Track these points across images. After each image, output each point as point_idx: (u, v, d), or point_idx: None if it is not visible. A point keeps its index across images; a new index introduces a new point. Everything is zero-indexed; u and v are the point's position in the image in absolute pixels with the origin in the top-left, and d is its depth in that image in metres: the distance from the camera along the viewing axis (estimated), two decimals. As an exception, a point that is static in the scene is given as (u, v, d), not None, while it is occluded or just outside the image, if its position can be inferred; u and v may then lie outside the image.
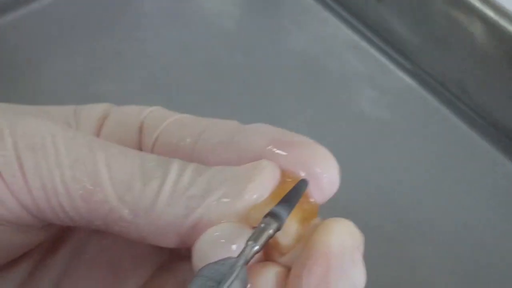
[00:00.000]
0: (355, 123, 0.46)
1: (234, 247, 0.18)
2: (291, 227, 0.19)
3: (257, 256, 0.18)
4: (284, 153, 0.20)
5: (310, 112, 0.46)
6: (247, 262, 0.17)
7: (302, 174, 0.20)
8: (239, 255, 0.17)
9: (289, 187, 0.19)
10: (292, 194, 0.19)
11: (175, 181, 0.19)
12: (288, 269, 0.19)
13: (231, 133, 0.21)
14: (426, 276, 0.40)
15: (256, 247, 0.18)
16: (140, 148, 0.23)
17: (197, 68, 0.47)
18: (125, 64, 0.47)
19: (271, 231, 0.18)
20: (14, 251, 0.22)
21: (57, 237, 0.24)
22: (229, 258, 0.17)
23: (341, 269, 0.18)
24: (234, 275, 0.17)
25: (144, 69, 0.47)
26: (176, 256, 0.24)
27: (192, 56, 0.48)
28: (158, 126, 0.23)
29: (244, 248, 0.17)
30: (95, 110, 0.24)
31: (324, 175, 0.20)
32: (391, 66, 0.49)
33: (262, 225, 0.18)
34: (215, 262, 0.17)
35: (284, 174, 0.20)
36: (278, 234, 0.18)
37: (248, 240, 0.18)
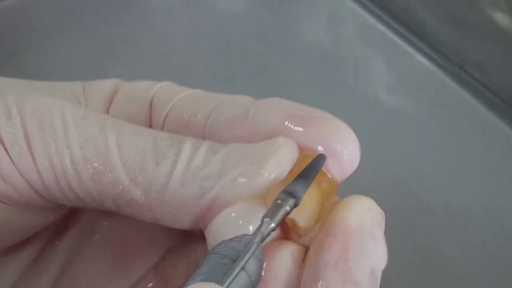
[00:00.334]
0: (371, 108, 0.45)
1: (251, 227, 0.18)
2: (310, 208, 0.19)
3: (274, 234, 0.18)
4: (301, 128, 0.19)
5: (324, 98, 0.45)
6: (263, 240, 0.17)
7: (321, 150, 0.19)
8: (255, 232, 0.17)
9: (307, 163, 0.19)
10: (309, 169, 0.18)
11: (189, 161, 0.19)
12: (305, 248, 0.19)
13: (245, 107, 0.20)
14: (446, 262, 0.39)
15: (272, 225, 0.17)
16: (150, 124, 0.23)
17: (208, 53, 0.47)
18: (134, 48, 0.46)
19: (287, 208, 0.17)
20: (23, 232, 0.21)
21: (67, 218, 0.24)
22: (245, 235, 0.17)
23: (360, 246, 0.17)
24: (250, 252, 0.16)
25: (153, 53, 0.46)
26: (188, 236, 0.24)
27: (203, 40, 0.47)
28: (168, 102, 0.22)
29: (260, 225, 0.17)
30: (105, 85, 0.24)
31: (344, 151, 0.19)
32: (408, 49, 0.47)
33: (278, 201, 0.17)
34: (230, 239, 0.17)
35: (302, 150, 0.19)
36: (297, 216, 0.18)
37: (263, 217, 0.17)
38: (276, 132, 0.19)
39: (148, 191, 0.19)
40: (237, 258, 0.16)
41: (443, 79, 0.46)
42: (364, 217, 0.18)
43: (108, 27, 0.47)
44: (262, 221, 0.17)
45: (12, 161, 0.19)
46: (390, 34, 0.48)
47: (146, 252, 0.24)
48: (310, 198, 0.19)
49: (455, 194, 0.42)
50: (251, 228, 0.18)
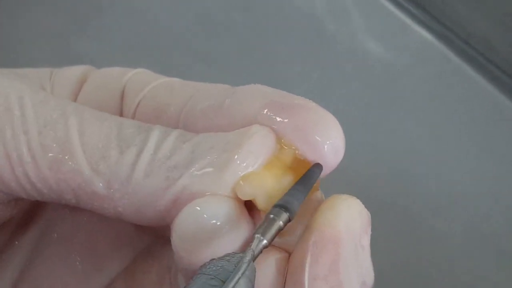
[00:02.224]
0: (367, 85, 0.43)
1: (218, 223, 0.17)
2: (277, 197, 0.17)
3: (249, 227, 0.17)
4: (280, 118, 0.18)
5: (316, 75, 0.43)
6: (254, 258, 0.16)
7: (301, 142, 0.18)
8: (245, 250, 0.16)
9: (286, 156, 0.18)
10: (304, 180, 0.17)
11: (155, 149, 0.18)
12: (288, 253, 0.18)
13: (222, 96, 0.19)
14: (447, 254, 0.38)
15: (264, 242, 0.16)
16: (121, 114, 0.22)
17: (189, 26, 0.44)
18: (108, 21, 0.44)
19: (281, 223, 0.16)
20: None
21: (27, 215, 0.23)
22: (234, 253, 0.16)
23: (351, 256, 0.17)
24: (240, 273, 0.15)
25: (129, 27, 0.44)
26: (160, 239, 0.23)
27: (184, 12, 0.44)
28: (141, 90, 0.21)
29: (251, 242, 0.16)
30: (73, 72, 0.23)
31: (326, 144, 0.18)
32: (409, 21, 0.45)
33: (271, 216, 0.16)
34: (220, 258, 0.16)
35: (282, 142, 0.18)
36: (262, 202, 0.17)
37: (255, 233, 0.16)
38: (254, 122, 0.18)
39: (110, 181, 0.18)
40: (226, 279, 0.15)
41: (446, 54, 0.44)
42: (353, 224, 0.17)
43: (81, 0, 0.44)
44: (254, 237, 0.16)
45: None
46: (389, 5, 0.45)
47: (115, 253, 0.23)
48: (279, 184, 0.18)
49: (458, 180, 0.40)
50: (218, 224, 0.17)
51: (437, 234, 0.38)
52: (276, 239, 0.17)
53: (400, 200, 0.39)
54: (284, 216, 0.16)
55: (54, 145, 0.18)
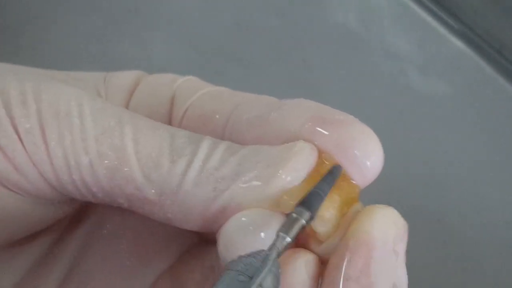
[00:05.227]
0: (399, 93, 0.43)
1: (262, 234, 0.18)
2: (329, 213, 0.18)
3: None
4: (324, 132, 0.19)
5: (349, 81, 0.43)
6: (279, 255, 0.17)
7: (341, 157, 0.19)
8: (270, 248, 0.17)
9: (326, 170, 0.18)
10: (325, 181, 0.18)
11: (204, 160, 0.18)
12: (323, 258, 0.18)
13: (268, 108, 0.20)
14: (475, 260, 0.38)
15: (288, 239, 0.17)
16: (170, 120, 0.23)
17: (226, 30, 0.44)
18: (144, 23, 0.44)
19: (303, 222, 0.17)
20: (35, 224, 0.21)
21: (78, 212, 0.23)
22: (261, 250, 0.17)
23: (383, 260, 0.17)
24: (267, 269, 0.16)
25: (165, 29, 0.44)
26: (204, 240, 0.24)
27: (221, 17, 0.45)
28: (189, 97, 0.22)
29: (275, 239, 0.17)
30: (126, 77, 0.23)
31: (366, 159, 0.18)
32: (442, 30, 0.44)
33: (294, 214, 0.17)
34: (247, 255, 0.17)
35: (322, 156, 0.19)
36: (315, 222, 0.18)
37: (278, 231, 0.17)
38: (298, 135, 0.19)
39: (161, 189, 0.19)
40: (253, 275, 0.16)
41: (479, 64, 0.43)
42: (388, 231, 0.17)
43: (119, 2, 0.44)
44: (277, 235, 0.17)
45: (26, 150, 0.19)
46: (423, 13, 0.45)
47: (160, 253, 0.23)
48: (330, 203, 0.18)
49: (489, 189, 0.40)
50: (263, 235, 0.18)
51: (465, 241, 0.38)
52: (316, 247, 0.19)
53: (428, 206, 0.39)
54: (306, 214, 0.17)
55: (110, 153, 0.19)
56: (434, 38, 0.44)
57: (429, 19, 0.45)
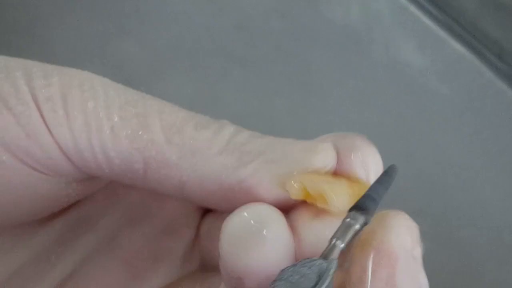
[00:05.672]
0: (401, 96, 0.43)
1: (264, 231, 0.17)
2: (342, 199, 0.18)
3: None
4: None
5: (352, 83, 0.43)
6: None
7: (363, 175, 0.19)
8: (326, 257, 0.16)
9: (342, 179, 0.19)
10: (380, 183, 0.18)
11: (231, 135, 0.19)
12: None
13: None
14: (476, 265, 0.38)
15: (342, 246, 0.16)
16: None
17: (228, 31, 0.44)
18: (146, 25, 0.44)
19: (357, 227, 0.17)
20: (42, 205, 0.21)
21: (82, 219, 0.23)
22: (313, 259, 0.16)
23: (406, 268, 0.17)
24: (326, 284, 0.15)
25: (168, 31, 0.44)
26: (205, 268, 0.24)
27: (222, 18, 0.45)
28: None
29: (331, 249, 0.16)
30: None
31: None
32: (443, 34, 0.44)
33: (348, 219, 0.17)
34: (300, 265, 0.16)
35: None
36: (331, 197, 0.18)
37: (333, 237, 0.16)
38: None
39: (182, 152, 0.19)
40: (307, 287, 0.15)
41: (479, 68, 0.43)
42: (405, 238, 0.17)
43: (121, 3, 0.44)
44: (332, 243, 0.16)
45: (43, 117, 0.18)
46: (423, 17, 0.45)
47: (159, 268, 0.23)
48: (342, 190, 0.18)
49: (489, 192, 0.40)
50: (265, 232, 0.17)
51: (465, 245, 0.38)
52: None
53: (429, 209, 0.39)
54: (361, 219, 0.17)
55: (134, 119, 0.19)
56: (434, 41, 0.44)
57: (429, 23, 0.45)
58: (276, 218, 0.18)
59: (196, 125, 0.19)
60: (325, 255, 0.16)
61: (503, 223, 0.39)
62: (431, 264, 0.37)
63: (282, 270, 0.16)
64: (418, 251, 0.18)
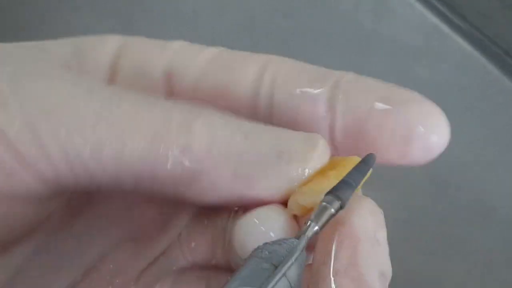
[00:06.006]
0: None
1: (272, 234, 0.18)
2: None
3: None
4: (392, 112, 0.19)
5: None
6: (307, 244, 0.17)
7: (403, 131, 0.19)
8: (298, 236, 0.16)
9: (337, 164, 0.19)
10: (357, 170, 0.18)
11: (215, 136, 0.18)
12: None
13: (318, 82, 0.20)
14: (479, 260, 0.38)
15: (316, 228, 0.17)
16: (171, 95, 0.21)
17: (232, 30, 0.44)
18: (154, 25, 0.45)
19: (332, 211, 0.17)
20: (27, 224, 0.20)
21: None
22: (286, 238, 0.17)
23: (368, 250, 0.17)
24: (294, 258, 0.16)
25: (173, 29, 0.44)
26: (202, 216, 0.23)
27: (227, 16, 0.45)
28: (194, 67, 0.21)
29: (306, 229, 0.17)
30: (104, 52, 0.21)
31: (431, 135, 0.19)
32: (448, 31, 0.44)
33: (324, 203, 0.17)
34: (273, 242, 0.16)
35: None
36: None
37: (308, 220, 0.17)
38: (366, 117, 0.19)
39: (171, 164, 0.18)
40: (278, 263, 0.16)
41: (486, 65, 0.43)
42: (366, 219, 0.18)
43: (127, 3, 0.45)
44: (307, 224, 0.17)
45: (18, 151, 0.17)
46: (429, 14, 0.45)
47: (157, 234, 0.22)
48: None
49: (493, 189, 0.40)
50: (272, 235, 0.18)
51: (471, 244, 0.38)
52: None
53: (435, 208, 0.39)
54: (336, 204, 0.17)
55: (110, 137, 0.17)
56: (442, 39, 0.44)
57: (436, 20, 0.45)
58: (284, 220, 0.18)
59: (178, 128, 0.18)
60: (298, 236, 0.16)
61: (509, 221, 0.38)
62: (437, 261, 0.37)
63: (256, 248, 0.16)
64: (382, 235, 0.18)
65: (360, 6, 0.45)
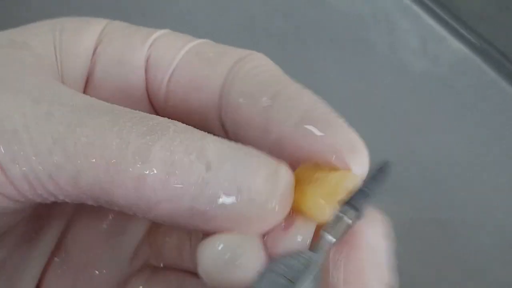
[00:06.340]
0: (404, 96, 0.43)
1: (240, 262, 0.17)
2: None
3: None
4: (318, 134, 0.18)
5: (355, 82, 0.43)
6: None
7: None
8: (315, 249, 0.16)
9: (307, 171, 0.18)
10: (374, 179, 0.17)
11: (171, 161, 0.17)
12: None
13: (260, 90, 0.19)
14: (480, 265, 0.38)
15: (332, 240, 0.16)
16: (146, 89, 0.20)
17: (232, 30, 0.44)
18: (151, 24, 0.43)
19: (349, 221, 0.16)
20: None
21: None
22: (301, 251, 0.16)
23: (375, 262, 0.17)
24: (312, 275, 0.15)
25: (174, 29, 0.43)
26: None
27: (226, 18, 0.45)
28: (171, 59, 0.20)
29: (321, 241, 0.16)
30: (84, 42, 0.21)
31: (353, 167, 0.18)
32: (445, 34, 0.44)
33: (340, 214, 0.16)
34: (290, 256, 0.16)
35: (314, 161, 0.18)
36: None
37: (323, 231, 0.16)
38: (290, 136, 0.18)
39: (127, 190, 0.17)
40: (294, 278, 0.15)
41: (483, 68, 0.43)
42: (374, 232, 0.17)
43: (125, 3, 0.45)
44: (323, 235, 0.16)
45: None
46: (426, 17, 0.45)
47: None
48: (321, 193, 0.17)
49: (493, 193, 0.40)
50: (241, 263, 0.17)
51: (471, 246, 0.38)
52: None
53: (434, 210, 0.39)
54: (352, 214, 0.16)
55: (66, 163, 0.17)
56: (438, 41, 0.44)
57: (432, 22, 0.45)
58: (249, 245, 0.17)
59: (135, 155, 0.17)
60: (314, 248, 0.16)
61: (507, 223, 0.39)
62: (434, 264, 0.37)
63: (271, 262, 0.16)
64: (388, 247, 0.18)
65: (356, 8, 0.46)
